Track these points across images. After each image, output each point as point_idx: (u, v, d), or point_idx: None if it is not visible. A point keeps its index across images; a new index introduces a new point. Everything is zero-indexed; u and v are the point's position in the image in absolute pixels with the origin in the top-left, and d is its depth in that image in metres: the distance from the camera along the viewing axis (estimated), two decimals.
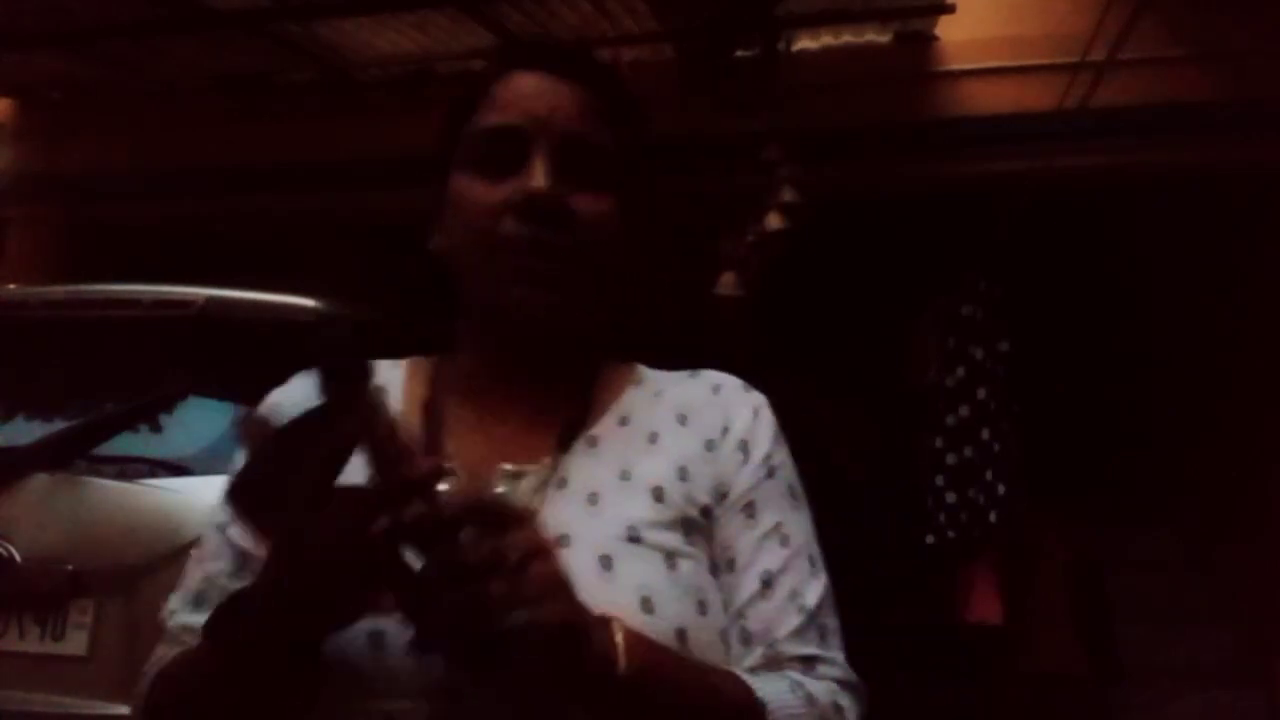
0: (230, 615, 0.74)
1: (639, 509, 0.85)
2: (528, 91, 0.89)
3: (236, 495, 0.71)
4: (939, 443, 3.95)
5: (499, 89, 0.90)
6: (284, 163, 4.37)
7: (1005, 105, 3.83)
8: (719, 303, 3.70)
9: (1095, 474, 4.12)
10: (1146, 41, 3.56)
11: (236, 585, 0.84)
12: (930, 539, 3.92)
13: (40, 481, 2.30)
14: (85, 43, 3.96)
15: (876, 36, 3.95)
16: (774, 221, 3.58)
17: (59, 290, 2.74)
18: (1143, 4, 3.36)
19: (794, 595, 0.88)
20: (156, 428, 2.40)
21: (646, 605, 0.80)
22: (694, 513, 0.88)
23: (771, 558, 0.88)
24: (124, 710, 2.15)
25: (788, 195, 3.57)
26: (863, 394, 4.21)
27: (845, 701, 0.86)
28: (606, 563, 0.81)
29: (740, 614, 0.86)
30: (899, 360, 4.22)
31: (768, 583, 0.87)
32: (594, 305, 0.92)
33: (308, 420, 0.69)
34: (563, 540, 0.81)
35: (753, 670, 0.84)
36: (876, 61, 3.95)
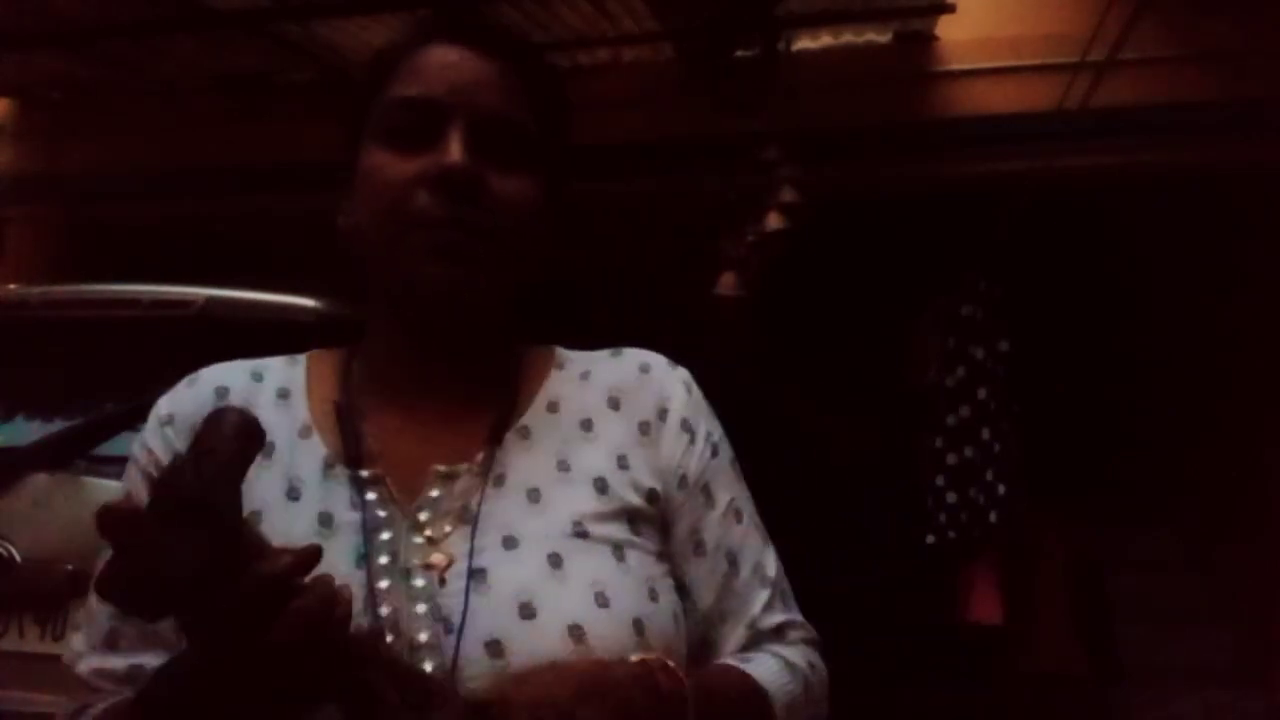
0: (167, 694, 0.67)
1: (582, 502, 0.84)
2: (447, 63, 0.85)
3: (121, 587, 0.63)
4: (939, 443, 3.95)
5: (417, 59, 0.86)
6: (284, 163, 4.36)
7: (1005, 105, 3.83)
8: (719, 303, 3.70)
9: (1095, 474, 4.12)
10: (1146, 41, 3.55)
11: (149, 625, 0.80)
12: (930, 539, 3.92)
13: (40, 481, 2.30)
14: (85, 43, 3.95)
15: (876, 36, 3.95)
16: (774, 221, 3.57)
17: (59, 290, 2.74)
18: (1143, 4, 3.36)
19: (757, 568, 0.90)
20: None
21: (600, 599, 0.78)
22: (637, 501, 0.86)
23: (732, 535, 0.89)
24: None
25: (788, 195, 3.57)
26: (863, 394, 4.21)
27: (814, 658, 0.91)
28: (556, 561, 0.79)
29: (716, 594, 0.88)
30: (899, 360, 4.21)
31: (733, 560, 0.89)
32: (508, 286, 0.88)
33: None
34: (508, 542, 0.80)
35: (740, 651, 0.87)
36: (876, 61, 3.95)
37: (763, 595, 0.89)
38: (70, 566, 2.19)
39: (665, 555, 0.86)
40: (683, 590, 0.87)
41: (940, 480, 3.93)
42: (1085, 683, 3.83)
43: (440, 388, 0.88)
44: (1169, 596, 4.17)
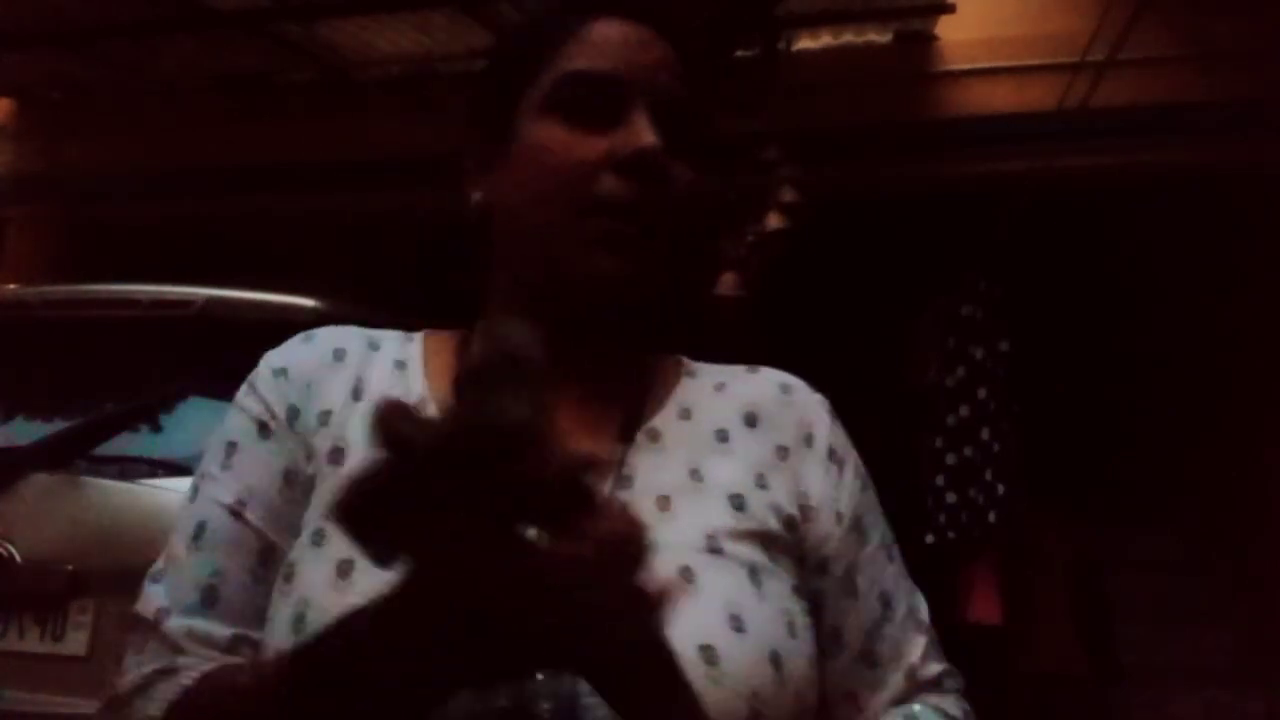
0: (340, 655, 0.54)
1: (716, 516, 0.76)
2: (626, 39, 0.78)
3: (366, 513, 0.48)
4: (939, 443, 3.95)
5: (591, 32, 0.78)
6: (284, 163, 4.37)
7: (1005, 105, 3.83)
8: (719, 303, 3.69)
9: (1095, 474, 4.12)
10: (1146, 41, 3.55)
11: (261, 585, 0.73)
12: (930, 539, 3.92)
13: (40, 481, 2.30)
14: (85, 43, 3.96)
15: (876, 36, 3.95)
16: (774, 221, 3.57)
17: (59, 290, 2.74)
18: (1143, 4, 3.36)
19: (911, 612, 0.83)
20: (156, 428, 2.41)
21: (735, 623, 0.70)
22: (775, 525, 0.78)
23: (885, 576, 0.82)
24: None
25: (788, 195, 3.56)
26: (862, 394, 4.20)
27: (967, 708, 0.83)
28: (688, 574, 0.71)
29: (867, 639, 0.80)
30: (899, 360, 4.21)
31: (887, 603, 0.81)
32: (668, 282, 0.82)
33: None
34: None
35: (899, 703, 0.80)
36: (876, 61, 3.95)
37: (920, 642, 0.82)
38: (70, 566, 2.19)
39: (802, 591, 0.78)
40: (824, 634, 0.79)
41: (940, 480, 3.93)
42: (1085, 683, 3.83)
43: (571, 380, 0.79)
44: (1169, 596, 4.17)
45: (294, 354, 0.84)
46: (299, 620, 0.68)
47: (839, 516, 0.81)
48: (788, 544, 0.78)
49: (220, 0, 3.59)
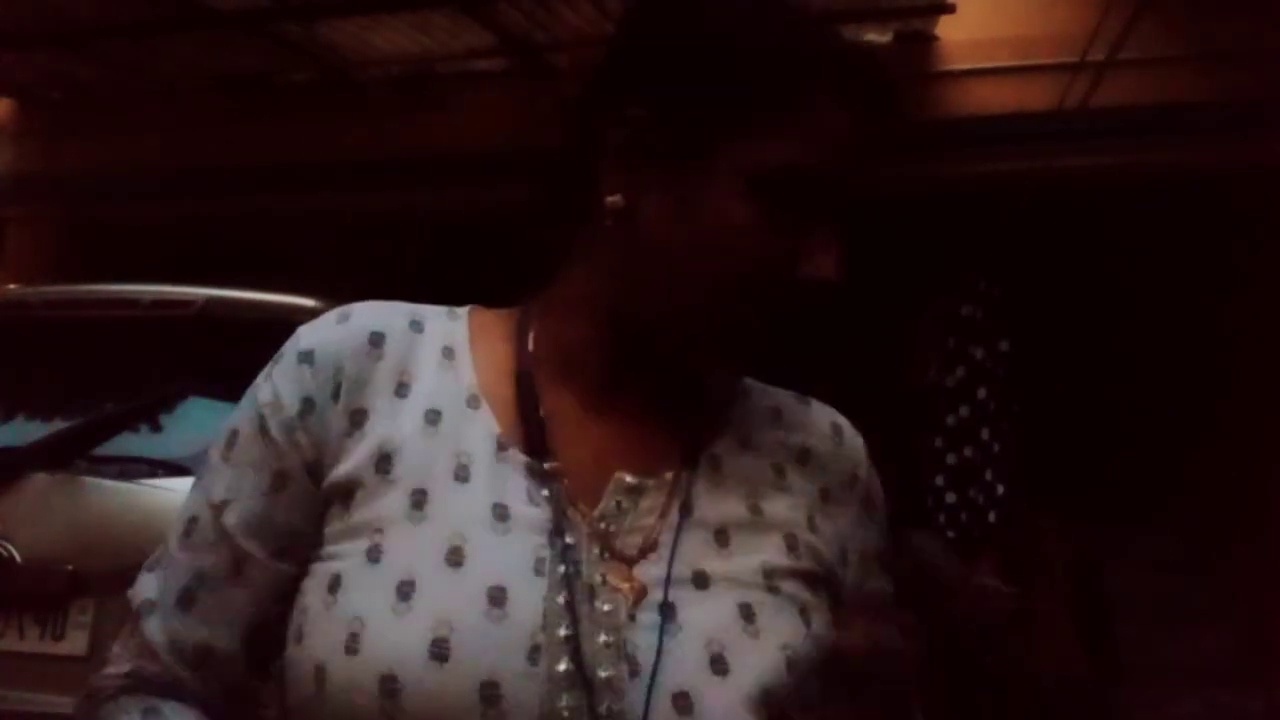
0: None
1: (773, 553, 0.74)
2: (857, 139, 0.71)
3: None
4: (939, 443, 3.95)
5: (832, 117, 0.70)
6: (284, 163, 4.36)
7: (1005, 105, 3.82)
8: None
9: (1095, 474, 4.12)
10: (1146, 41, 3.55)
11: (238, 589, 0.72)
12: None
13: (40, 481, 2.30)
14: (85, 43, 3.96)
15: (876, 36, 3.95)
16: None
17: (59, 290, 2.74)
18: (1143, 4, 3.36)
19: None
20: (156, 428, 2.41)
21: (791, 665, 0.69)
22: (819, 568, 0.77)
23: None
24: None
25: None
26: (862, 394, 4.20)
27: None
28: (748, 614, 0.69)
29: None
30: (899, 360, 4.21)
31: None
32: None
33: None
34: (699, 580, 0.70)
35: None
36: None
37: None
38: (70, 566, 2.19)
39: None
40: None
41: (940, 480, 3.93)
42: (1085, 683, 3.83)
43: (635, 390, 0.77)
44: (1169, 596, 4.17)
45: (325, 336, 0.77)
46: (353, 641, 0.64)
47: (868, 565, 0.82)
48: (828, 586, 0.78)
49: (220, 0, 3.59)
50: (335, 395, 0.74)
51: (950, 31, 3.85)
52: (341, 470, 0.72)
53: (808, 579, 0.75)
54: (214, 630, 0.73)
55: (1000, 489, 3.79)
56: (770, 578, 0.72)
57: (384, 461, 0.71)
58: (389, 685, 0.62)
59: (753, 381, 0.86)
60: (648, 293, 0.73)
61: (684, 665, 0.66)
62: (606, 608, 0.67)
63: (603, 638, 0.66)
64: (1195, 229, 4.13)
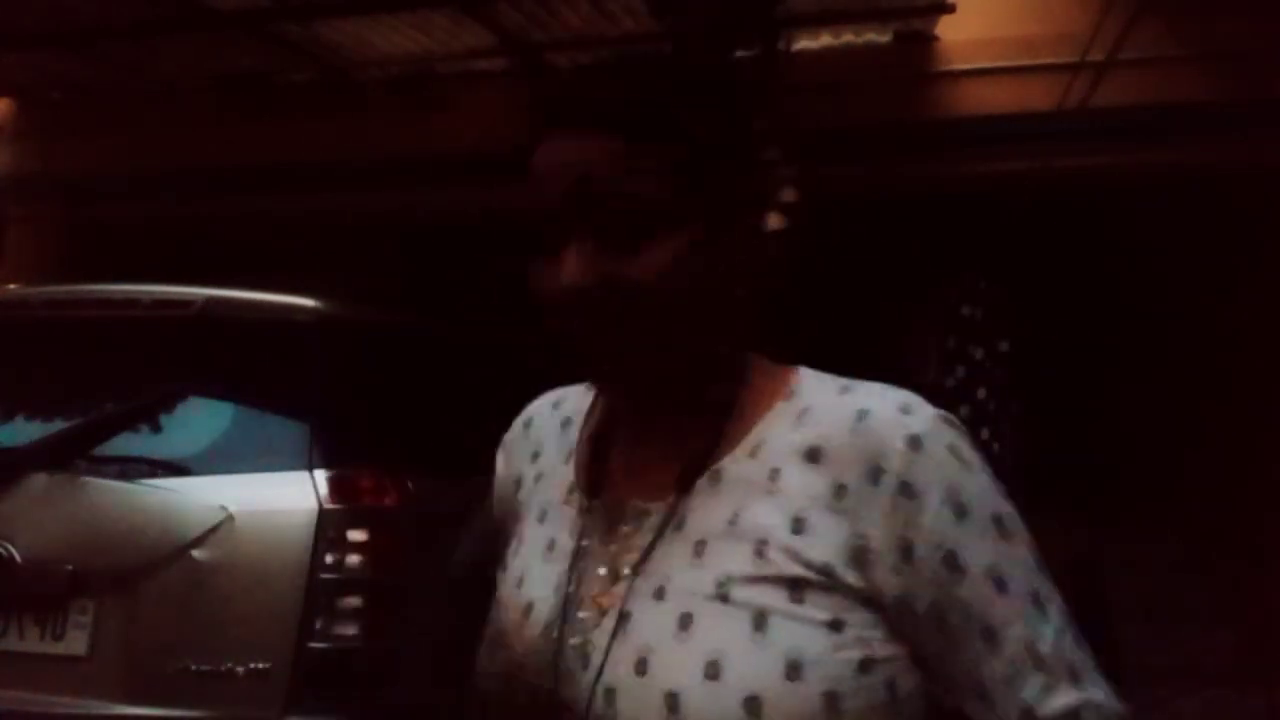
0: None
1: (737, 562, 0.77)
2: (557, 160, 0.79)
3: None
4: None
5: (538, 159, 0.81)
6: (284, 163, 4.37)
7: (1005, 105, 3.83)
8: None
9: (1095, 474, 4.12)
10: (1146, 41, 3.56)
11: None
12: None
13: (40, 481, 2.30)
14: (85, 43, 3.96)
15: (876, 36, 3.95)
16: (774, 221, 3.57)
17: (59, 290, 2.74)
18: (1143, 4, 3.37)
19: (1027, 645, 0.78)
20: (156, 428, 2.41)
21: (711, 670, 0.74)
22: (804, 571, 0.76)
23: (990, 609, 0.77)
24: (124, 710, 2.15)
25: (788, 195, 3.57)
26: None
27: None
28: (685, 622, 0.76)
29: (972, 680, 0.77)
30: (899, 360, 4.21)
31: (991, 638, 0.77)
32: (675, 342, 0.81)
33: None
34: (658, 593, 0.79)
35: None
36: (876, 61, 3.95)
37: (1036, 679, 0.78)
38: (70, 566, 2.19)
39: (859, 633, 0.76)
40: (938, 676, 0.78)
41: None
42: None
43: (652, 423, 0.86)
44: (1169, 596, 4.17)
45: (511, 432, 1.00)
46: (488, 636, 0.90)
47: (908, 553, 0.77)
48: (833, 587, 0.76)
49: (220, 0, 3.59)
50: (507, 466, 0.99)
51: (950, 31, 3.85)
52: (508, 520, 0.96)
53: (778, 584, 0.76)
54: None
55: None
56: (724, 586, 0.77)
57: (518, 511, 0.95)
58: (479, 662, 0.88)
59: (811, 378, 0.87)
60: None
61: (617, 666, 0.78)
62: (582, 615, 0.82)
63: (574, 640, 0.81)
64: (1195, 229, 4.13)
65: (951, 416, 0.84)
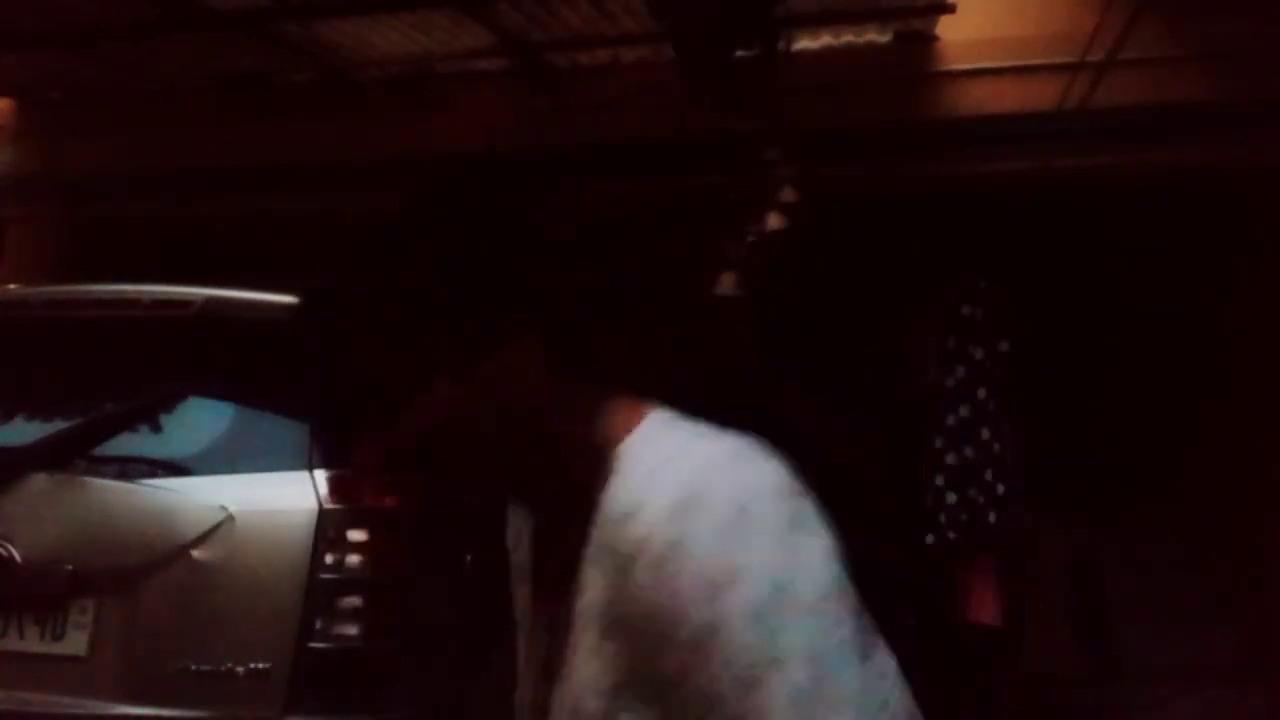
0: None
1: (583, 667, 0.82)
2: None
3: None
4: (939, 443, 3.95)
5: None
6: (284, 163, 4.37)
7: (1005, 105, 3.83)
8: (719, 303, 3.70)
9: (1095, 474, 4.12)
10: (1146, 41, 3.55)
11: None
12: (930, 539, 3.91)
13: (40, 481, 2.30)
14: (85, 43, 3.95)
15: (876, 36, 3.95)
16: (774, 221, 3.57)
17: (59, 290, 2.74)
18: (1143, 4, 3.36)
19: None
20: (156, 428, 2.41)
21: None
22: (620, 674, 0.79)
23: (750, 694, 0.74)
24: (124, 710, 2.16)
25: (788, 195, 3.57)
26: (862, 394, 4.20)
27: None
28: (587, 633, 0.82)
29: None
30: (898, 360, 4.21)
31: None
32: (501, 449, 0.86)
33: None
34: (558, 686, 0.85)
35: None
36: (876, 61, 3.95)
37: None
38: (70, 566, 2.19)
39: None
40: None
41: (940, 480, 3.93)
42: (1084, 683, 3.83)
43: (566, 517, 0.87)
44: (1169, 596, 4.17)
45: None
46: None
47: (670, 632, 0.74)
48: (636, 685, 0.78)
49: (220, 0, 3.59)
50: None
51: (950, 31, 3.85)
52: None
53: (612, 689, 0.81)
54: None
55: (1000, 489, 3.79)
56: (581, 700, 0.83)
57: None
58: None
59: (648, 441, 0.83)
60: None
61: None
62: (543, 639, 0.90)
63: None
64: (1195, 229, 4.13)
65: None
